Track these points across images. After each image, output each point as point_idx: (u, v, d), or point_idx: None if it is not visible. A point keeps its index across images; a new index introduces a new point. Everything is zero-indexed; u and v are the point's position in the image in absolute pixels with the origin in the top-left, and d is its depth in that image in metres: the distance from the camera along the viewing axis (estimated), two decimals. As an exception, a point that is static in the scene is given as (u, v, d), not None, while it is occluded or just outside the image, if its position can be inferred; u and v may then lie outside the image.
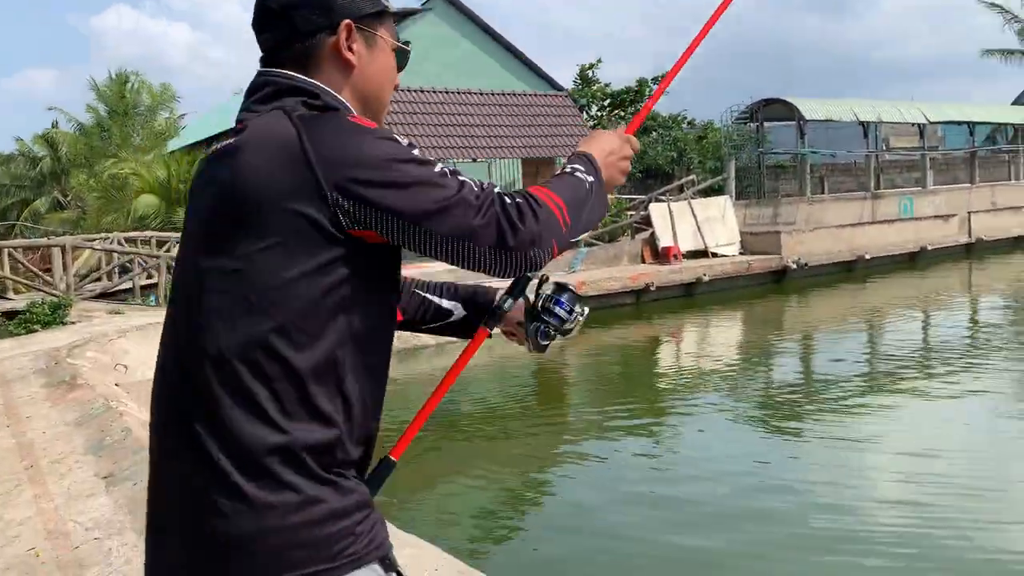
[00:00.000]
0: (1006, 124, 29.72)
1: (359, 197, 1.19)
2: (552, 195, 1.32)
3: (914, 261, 21.07)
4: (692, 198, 20.09)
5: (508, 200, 1.29)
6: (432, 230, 1.22)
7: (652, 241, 18.57)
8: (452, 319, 1.71)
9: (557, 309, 1.59)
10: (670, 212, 18.94)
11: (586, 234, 17.07)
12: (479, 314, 1.67)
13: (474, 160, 18.97)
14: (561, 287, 1.62)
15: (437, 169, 1.25)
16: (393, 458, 1.46)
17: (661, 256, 18.16)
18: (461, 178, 1.28)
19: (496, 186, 1.33)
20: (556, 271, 16.47)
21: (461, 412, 9.92)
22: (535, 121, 19.09)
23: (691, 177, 22.14)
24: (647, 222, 19.02)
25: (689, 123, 26.99)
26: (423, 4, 20.47)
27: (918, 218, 22.44)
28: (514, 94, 19.40)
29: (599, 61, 27.37)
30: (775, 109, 24.12)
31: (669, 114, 26.05)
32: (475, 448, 8.48)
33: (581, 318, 1.61)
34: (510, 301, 1.62)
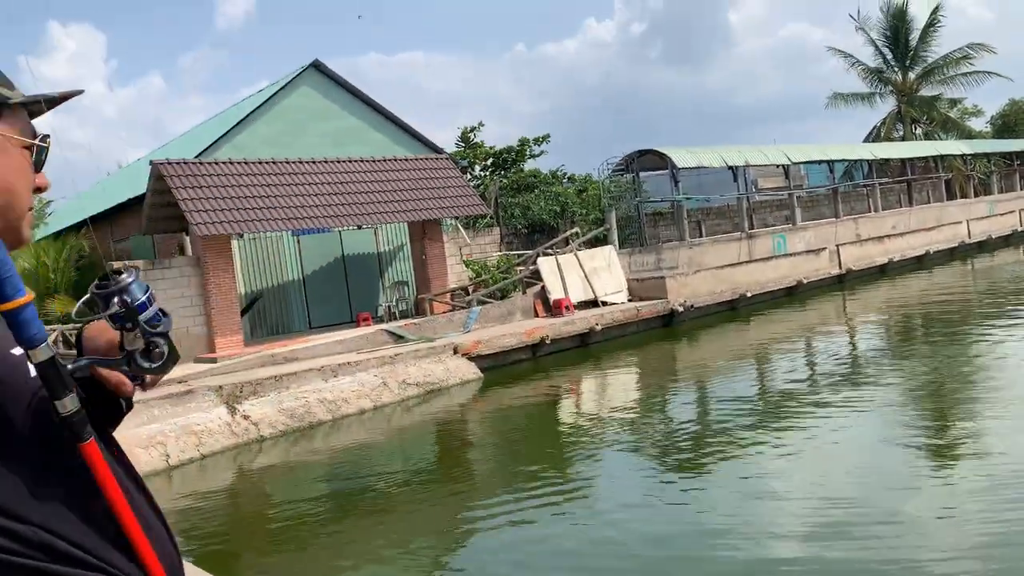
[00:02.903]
0: (860, 160, 31.89)
1: None
2: None
3: (792, 295, 22.07)
4: (578, 250, 20.50)
5: None
6: None
7: (543, 295, 18.78)
8: None
9: (148, 315, 1.15)
10: (558, 265, 19.25)
11: (477, 294, 16.96)
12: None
13: (359, 227, 18.82)
14: (123, 287, 1.15)
15: None
16: None
17: (553, 309, 18.36)
18: None
19: None
20: (450, 333, 16.40)
21: (362, 488, 9.61)
22: (418, 184, 19.15)
23: (575, 229, 22.63)
24: (537, 276, 19.24)
25: (569, 178, 27.74)
26: (294, 76, 20.40)
27: (791, 254, 23.60)
28: (395, 159, 19.44)
29: (481, 124, 27.94)
30: (649, 160, 25.11)
31: (550, 170, 26.77)
32: (379, 525, 8.19)
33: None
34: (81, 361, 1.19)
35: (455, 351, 15.22)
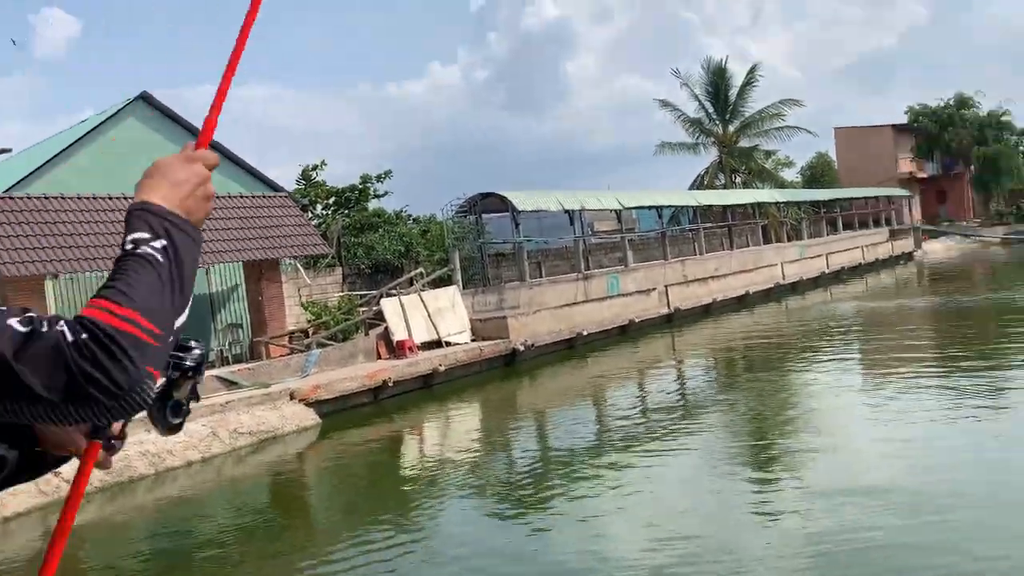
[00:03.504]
0: (686, 206, 33.91)
1: None
2: (118, 308, 0.98)
3: (625, 333, 22.98)
4: (422, 290, 20.49)
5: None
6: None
7: (386, 336, 18.57)
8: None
9: (187, 376, 1.20)
10: (402, 306, 19.13)
11: (317, 336, 16.53)
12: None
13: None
14: (185, 347, 1.19)
15: None
16: None
17: (397, 350, 18.18)
18: None
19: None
20: (287, 377, 15.87)
21: (191, 546, 9.06)
22: (255, 223, 18.55)
23: (419, 270, 22.63)
24: (380, 317, 19.03)
25: (414, 219, 27.77)
26: (120, 107, 19.34)
27: (624, 294, 24.62)
28: (230, 196, 18.76)
29: (323, 163, 27.49)
30: (491, 202, 25.57)
31: (394, 210, 26.67)
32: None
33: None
34: None
35: (292, 397, 14.73)
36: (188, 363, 1.18)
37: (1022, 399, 11.13)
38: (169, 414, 1.19)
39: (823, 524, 7.16)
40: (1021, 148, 56.91)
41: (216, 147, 20.29)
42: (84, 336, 0.95)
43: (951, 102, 55.95)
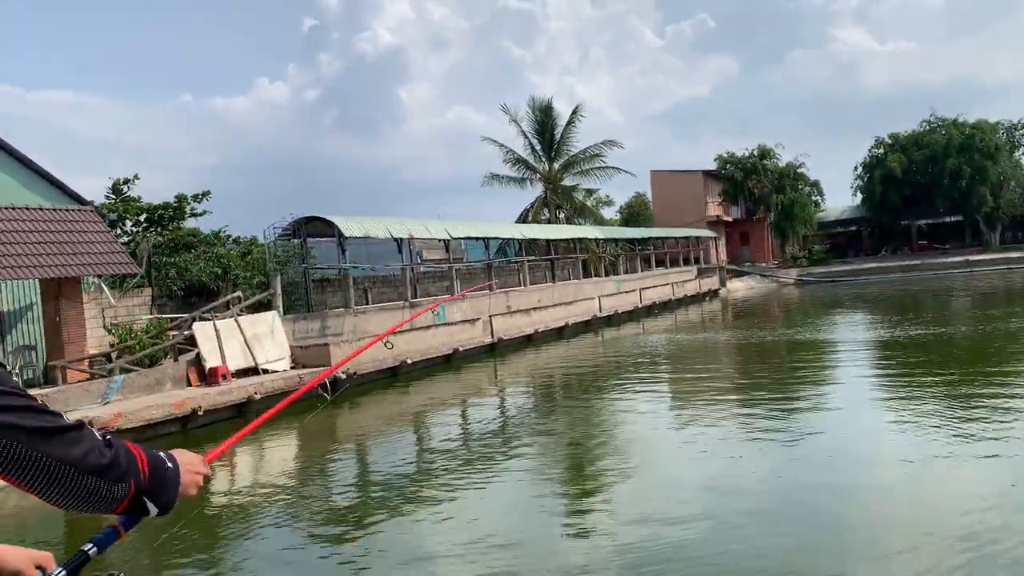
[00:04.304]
0: (512, 239, 34.81)
1: None
2: (139, 450, 1.60)
3: (449, 362, 23.17)
4: (240, 315, 19.72)
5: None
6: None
7: (198, 362, 17.72)
8: None
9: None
10: (216, 330, 18.33)
11: (121, 361, 15.52)
12: None
13: (-24, 283, 16.38)
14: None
15: None
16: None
17: (209, 377, 17.37)
18: None
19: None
20: (86, 404, 14.77)
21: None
22: (54, 238, 17.19)
23: (237, 294, 21.76)
24: (192, 342, 18.13)
25: (234, 240, 26.70)
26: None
27: (450, 323, 24.86)
28: (26, 208, 17.30)
29: (136, 177, 25.85)
30: (317, 226, 25.13)
31: (212, 231, 25.48)
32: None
33: None
34: (62, 573, 1.60)
35: (90, 425, 13.68)
36: None
37: (813, 425, 12.24)
38: None
39: (632, 538, 7.63)
40: (814, 198, 62.83)
41: (9, 151, 18.73)
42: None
43: (755, 152, 61.00)
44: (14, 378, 1.43)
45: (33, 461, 1.36)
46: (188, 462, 1.73)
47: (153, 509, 1.60)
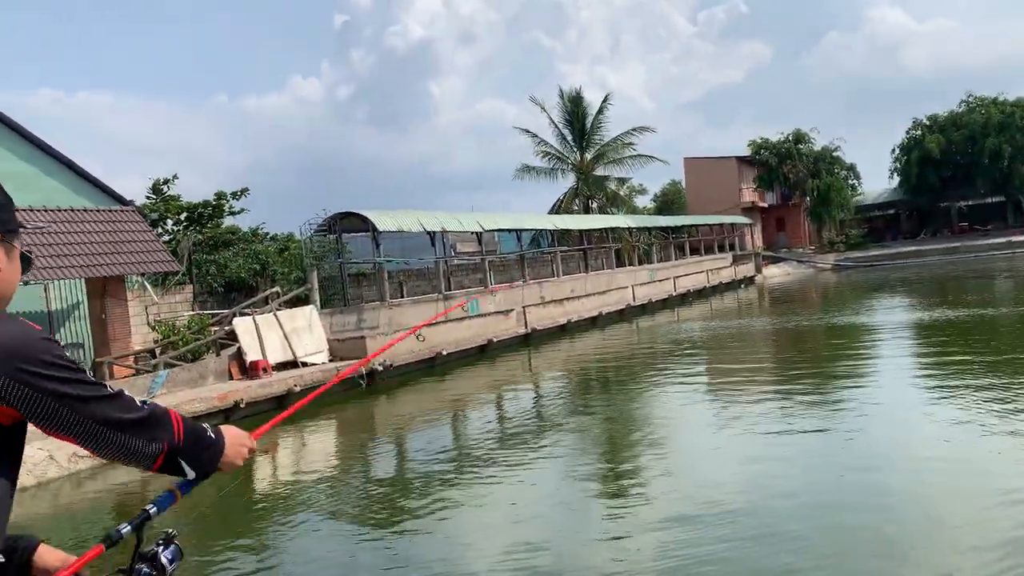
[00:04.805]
0: (545, 230, 34.90)
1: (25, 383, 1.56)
2: (179, 417, 1.83)
3: (484, 353, 23.39)
4: (278, 309, 20.12)
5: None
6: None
7: (239, 356, 18.13)
8: None
9: (163, 560, 1.88)
10: (256, 325, 18.73)
11: (165, 356, 15.92)
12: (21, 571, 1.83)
13: (25, 283, 16.90)
14: (170, 539, 1.93)
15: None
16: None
17: (250, 371, 17.78)
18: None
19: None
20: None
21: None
22: (98, 238, 17.69)
23: (275, 289, 22.19)
24: (233, 337, 18.55)
25: (271, 236, 27.15)
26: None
27: (483, 315, 25.06)
28: (72, 210, 17.82)
29: (175, 177, 26.43)
30: (351, 221, 25.46)
31: (250, 228, 26.01)
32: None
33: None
34: (128, 528, 1.85)
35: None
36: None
37: (855, 418, 12.09)
38: None
39: (672, 537, 7.52)
40: (850, 182, 61.94)
41: (56, 156, 19.29)
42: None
43: (789, 137, 60.28)
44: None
45: (81, 423, 1.62)
46: (235, 436, 1.98)
47: (190, 472, 1.84)
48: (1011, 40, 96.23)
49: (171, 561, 1.89)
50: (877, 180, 67.72)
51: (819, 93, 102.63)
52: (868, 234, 63.41)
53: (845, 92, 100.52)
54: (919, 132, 61.34)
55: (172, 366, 17.14)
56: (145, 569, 1.84)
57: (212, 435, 1.89)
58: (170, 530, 1.96)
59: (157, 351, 18.39)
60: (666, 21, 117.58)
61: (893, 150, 63.25)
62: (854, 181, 62.29)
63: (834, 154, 60.54)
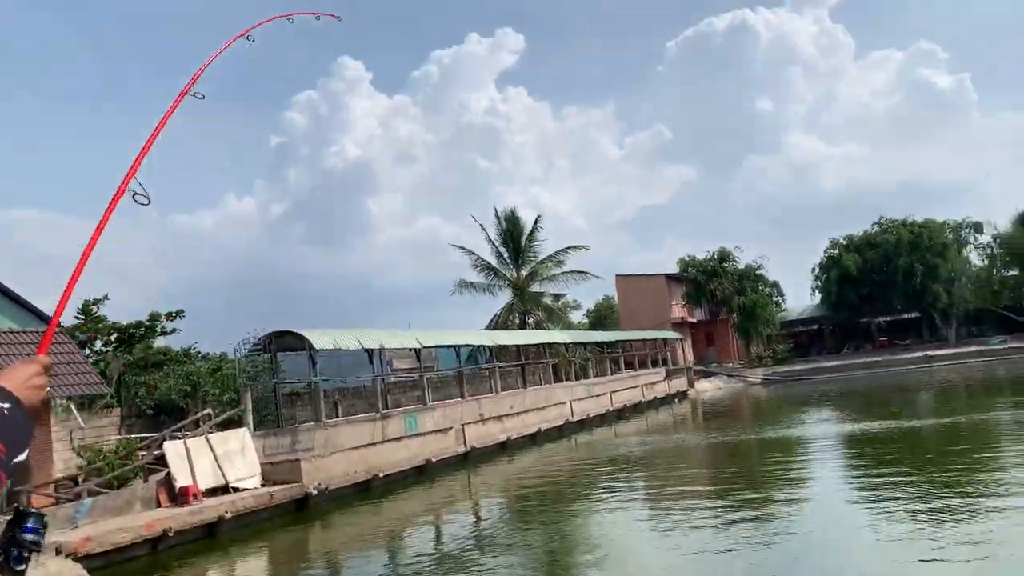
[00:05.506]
0: (482, 346, 35.08)
1: None
2: None
3: (422, 474, 23.00)
4: (210, 432, 19.58)
5: None
6: None
7: (168, 482, 17.48)
8: None
9: (28, 535, 1.79)
10: (187, 449, 18.17)
11: (89, 483, 15.28)
12: None
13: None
14: (23, 514, 1.82)
15: None
16: None
17: (179, 497, 17.13)
18: None
19: None
20: (53, 530, 14.47)
21: None
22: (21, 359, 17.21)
23: (207, 411, 21.66)
24: (162, 462, 17.92)
25: (203, 357, 26.66)
26: None
27: (422, 433, 24.79)
28: (-3, 332, 17.35)
29: (106, 297, 25.99)
30: (287, 340, 25.24)
31: (182, 348, 25.50)
32: None
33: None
34: None
35: (58, 551, 13.42)
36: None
37: (790, 527, 12.35)
38: (13, 562, 1.75)
39: None
40: (774, 298, 64.24)
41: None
42: None
43: (715, 255, 62.62)
44: None
45: None
46: (20, 378, 1.79)
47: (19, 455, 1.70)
48: (914, 165, 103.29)
49: (35, 530, 1.79)
50: (800, 296, 70.50)
51: (743, 213, 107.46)
52: (794, 349, 65.36)
53: (767, 212, 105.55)
54: (837, 251, 64.44)
55: (97, 493, 16.41)
56: (15, 552, 1.76)
57: (5, 408, 1.71)
58: (17, 504, 1.95)
59: (80, 478, 17.61)
60: (595, 146, 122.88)
61: (813, 268, 66.15)
62: (778, 298, 64.64)
63: (757, 272, 62.96)
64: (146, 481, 17.53)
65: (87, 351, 24.44)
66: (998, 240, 64.07)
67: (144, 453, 18.75)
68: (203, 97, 3.17)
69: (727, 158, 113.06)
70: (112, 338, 25.23)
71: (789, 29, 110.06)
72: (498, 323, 47.00)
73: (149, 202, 2.62)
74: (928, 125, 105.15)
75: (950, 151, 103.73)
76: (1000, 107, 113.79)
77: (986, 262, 64.69)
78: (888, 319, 66.54)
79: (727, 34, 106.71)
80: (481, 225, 47.62)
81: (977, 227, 64.20)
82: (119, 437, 20.13)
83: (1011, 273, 63.80)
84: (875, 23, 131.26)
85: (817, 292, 66.10)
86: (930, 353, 54.33)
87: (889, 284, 60.86)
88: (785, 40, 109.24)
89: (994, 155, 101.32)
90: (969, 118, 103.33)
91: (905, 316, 65.12)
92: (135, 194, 2.70)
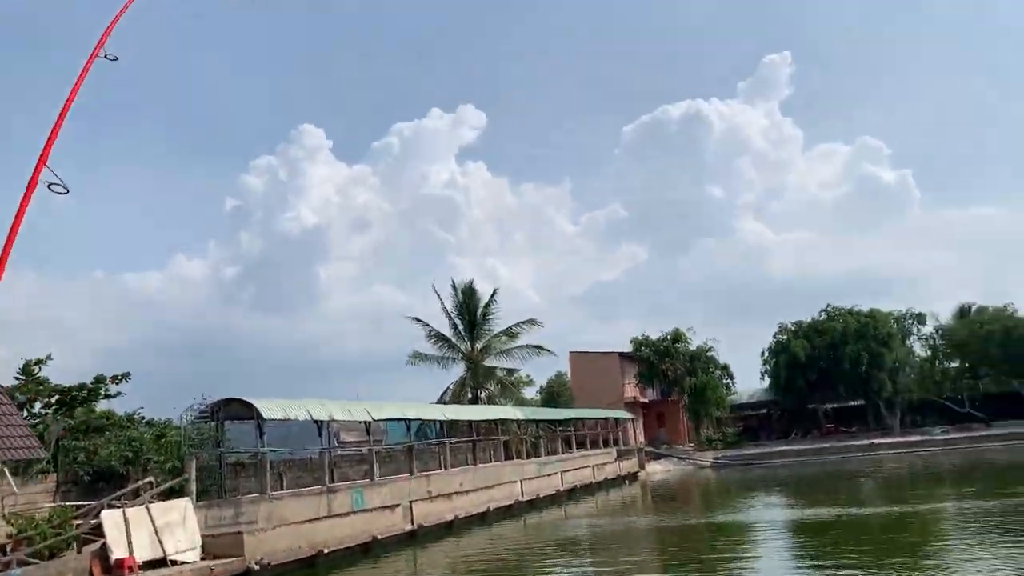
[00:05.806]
0: (433, 420, 34.75)
1: None
2: None
3: (368, 552, 22.47)
4: (150, 501, 18.98)
5: None
6: None
7: (103, 553, 16.83)
8: None
9: None
10: (125, 519, 17.57)
11: (18, 553, 14.68)
12: None
13: None
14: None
15: None
16: None
17: (114, 570, 16.48)
18: None
19: None
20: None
21: None
22: (-40, 422, 16.61)
23: (149, 479, 21.01)
24: (98, 531, 17.28)
25: (147, 422, 25.99)
26: None
27: (368, 509, 24.30)
28: (-66, 391, 16.78)
29: (48, 357, 25.30)
30: (234, 408, 24.74)
31: (125, 412, 24.84)
32: None
33: None
34: None
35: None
36: None
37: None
38: None
39: None
40: (724, 381, 64.97)
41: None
42: None
43: (668, 336, 63.38)
44: None
45: None
46: None
47: None
48: (860, 256, 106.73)
49: None
50: (750, 379, 71.33)
51: (694, 294, 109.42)
52: (743, 432, 65.84)
53: (718, 294, 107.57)
54: (786, 336, 65.74)
55: (27, 564, 15.71)
56: None
57: None
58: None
59: (8, 548, 16.85)
60: (551, 222, 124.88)
61: (763, 352, 67.25)
62: (728, 380, 65.39)
63: (708, 353, 63.77)
64: (80, 552, 16.87)
65: (25, 413, 23.67)
66: (940, 332, 66.14)
67: (80, 522, 18.07)
68: (116, 59, 3.19)
69: (679, 239, 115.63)
70: (53, 400, 24.50)
71: (741, 121, 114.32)
72: (451, 396, 46.67)
73: (67, 191, 2.58)
74: (874, 217, 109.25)
75: (894, 245, 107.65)
76: (944, 203, 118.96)
77: (929, 353, 66.58)
78: (835, 406, 67.63)
79: (682, 122, 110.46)
80: (439, 295, 47.77)
81: (920, 318, 66.25)
82: (53, 505, 19.37)
83: (952, 365, 65.70)
84: (823, 117, 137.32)
85: (766, 376, 67.07)
86: (876, 441, 55.26)
87: (836, 371, 62.07)
88: (737, 132, 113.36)
89: (936, 252, 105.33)
90: (911, 213, 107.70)
91: (851, 403, 66.27)
92: (50, 184, 2.70)
